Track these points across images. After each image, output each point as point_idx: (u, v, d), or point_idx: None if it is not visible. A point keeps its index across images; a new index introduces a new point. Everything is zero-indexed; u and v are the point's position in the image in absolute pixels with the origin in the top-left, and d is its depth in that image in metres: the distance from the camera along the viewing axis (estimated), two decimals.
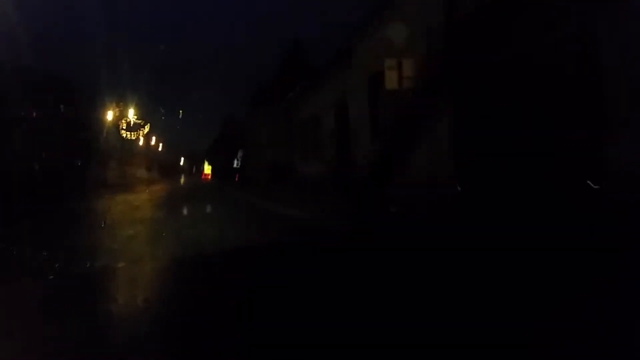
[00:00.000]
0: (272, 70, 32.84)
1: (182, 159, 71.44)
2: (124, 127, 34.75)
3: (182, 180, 55.16)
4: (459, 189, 8.02)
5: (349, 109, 12.56)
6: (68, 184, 20.91)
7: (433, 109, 8.53)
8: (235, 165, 36.24)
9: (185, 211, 14.88)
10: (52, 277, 3.02)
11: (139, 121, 33.51)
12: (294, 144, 19.24)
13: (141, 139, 48.09)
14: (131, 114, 36.59)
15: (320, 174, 14.94)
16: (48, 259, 4.11)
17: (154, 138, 54.44)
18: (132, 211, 14.32)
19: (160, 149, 57.37)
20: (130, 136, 36.45)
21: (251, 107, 35.59)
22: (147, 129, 33.69)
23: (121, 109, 35.52)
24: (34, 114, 24.89)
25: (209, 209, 15.99)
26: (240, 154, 35.43)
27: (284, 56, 32.11)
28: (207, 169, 57.30)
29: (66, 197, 16.41)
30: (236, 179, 35.05)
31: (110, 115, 34.13)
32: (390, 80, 9.05)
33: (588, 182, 5.50)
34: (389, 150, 10.58)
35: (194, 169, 68.76)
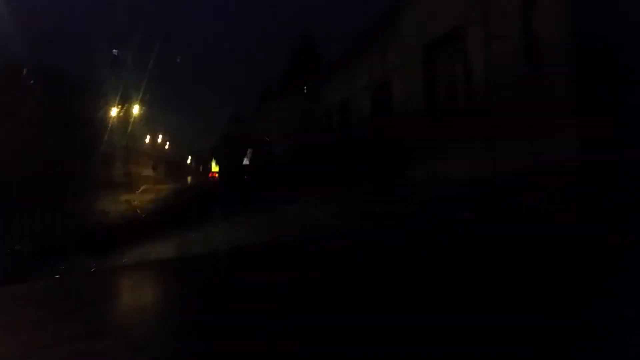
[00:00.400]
0: (281, 65, 31.13)
1: (189, 158, 69.48)
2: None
3: (188, 179, 53.16)
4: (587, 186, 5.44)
5: (392, 88, 9.96)
6: (66, 184, 19.66)
7: (539, 76, 5.93)
8: (245, 163, 33.64)
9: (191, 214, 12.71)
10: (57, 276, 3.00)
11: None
12: (316, 137, 16.60)
13: (147, 137, 45.73)
14: (136, 110, 33.96)
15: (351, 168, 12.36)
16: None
17: (160, 136, 52.27)
18: (129, 214, 12.26)
19: (166, 147, 55.15)
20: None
21: (259, 103, 33.32)
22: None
23: (125, 106, 33.00)
24: (32, 111, 23.31)
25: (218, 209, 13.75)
26: (250, 151, 32.85)
27: (293, 49, 30.12)
28: (215, 168, 55.15)
29: (63, 197, 14.64)
30: (245, 177, 32.56)
31: (114, 113, 31.92)
32: (473, 40, 6.48)
33: None
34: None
35: (200, 168, 66.79)
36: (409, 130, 9.22)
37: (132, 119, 33.55)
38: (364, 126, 11.50)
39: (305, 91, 17.09)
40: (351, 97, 12.27)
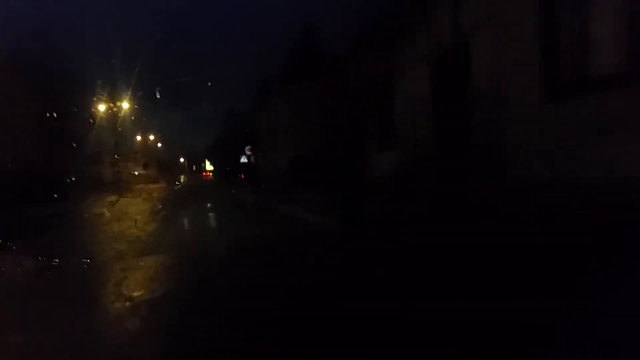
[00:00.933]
0: (279, 60, 28.87)
1: (182, 158, 66.37)
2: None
3: (182, 179, 50.14)
4: None
5: (471, 54, 6.75)
6: (46, 185, 16.73)
7: None
8: (242, 162, 30.28)
9: (185, 222, 10.00)
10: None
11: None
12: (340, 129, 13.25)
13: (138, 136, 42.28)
14: (127, 107, 30.45)
15: (391, 167, 9.17)
16: None
17: (151, 135, 48.86)
18: (112, 223, 9.58)
19: (159, 145, 51.71)
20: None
21: (259, 99, 30.42)
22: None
23: (116, 103, 29.40)
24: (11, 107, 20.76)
25: (213, 217, 10.98)
26: (248, 149, 29.51)
27: (292, 44, 27.21)
28: (209, 167, 51.94)
29: (38, 200, 13.38)
30: (242, 177, 29.33)
31: (103, 109, 28.53)
32: None
33: None
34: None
35: (194, 168, 63.58)
36: (508, 111, 6.02)
37: (122, 116, 30.12)
38: (420, 111, 8.26)
39: (323, 76, 13.81)
40: (395, 74, 9.01)
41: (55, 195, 15.75)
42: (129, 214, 11.51)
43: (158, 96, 17.84)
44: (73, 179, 26.74)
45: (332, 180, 12.77)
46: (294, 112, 17.73)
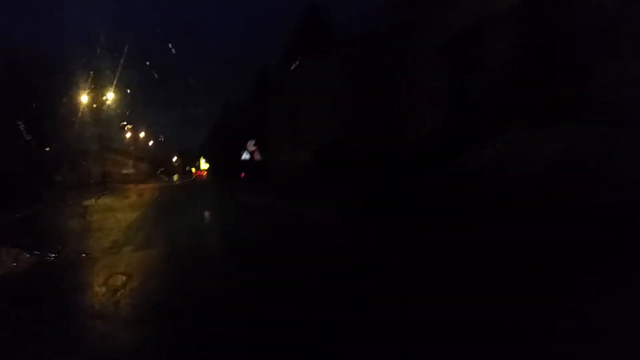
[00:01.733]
0: (280, 45, 25.79)
1: (175, 156, 62.00)
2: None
3: (175, 178, 45.93)
4: None
5: None
6: (19, 185, 14.04)
7: None
8: (243, 158, 25.88)
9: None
10: None
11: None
12: (397, 105, 9.00)
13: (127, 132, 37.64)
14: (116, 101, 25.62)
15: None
16: None
17: (142, 132, 44.19)
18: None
19: (150, 144, 47.00)
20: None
21: (256, 95, 26.54)
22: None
23: (97, 91, 24.58)
24: None
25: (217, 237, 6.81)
26: (252, 144, 25.14)
27: (298, 24, 23.52)
28: (203, 165, 47.34)
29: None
30: (242, 175, 25.03)
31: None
32: None
33: None
34: None
35: (187, 168, 59.28)
36: None
37: (110, 111, 25.50)
38: None
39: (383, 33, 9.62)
40: None
41: (19, 199, 12.27)
42: (104, 228, 7.42)
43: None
44: (60, 178, 22.92)
45: (402, 181, 8.56)
46: (325, 90, 13.46)
